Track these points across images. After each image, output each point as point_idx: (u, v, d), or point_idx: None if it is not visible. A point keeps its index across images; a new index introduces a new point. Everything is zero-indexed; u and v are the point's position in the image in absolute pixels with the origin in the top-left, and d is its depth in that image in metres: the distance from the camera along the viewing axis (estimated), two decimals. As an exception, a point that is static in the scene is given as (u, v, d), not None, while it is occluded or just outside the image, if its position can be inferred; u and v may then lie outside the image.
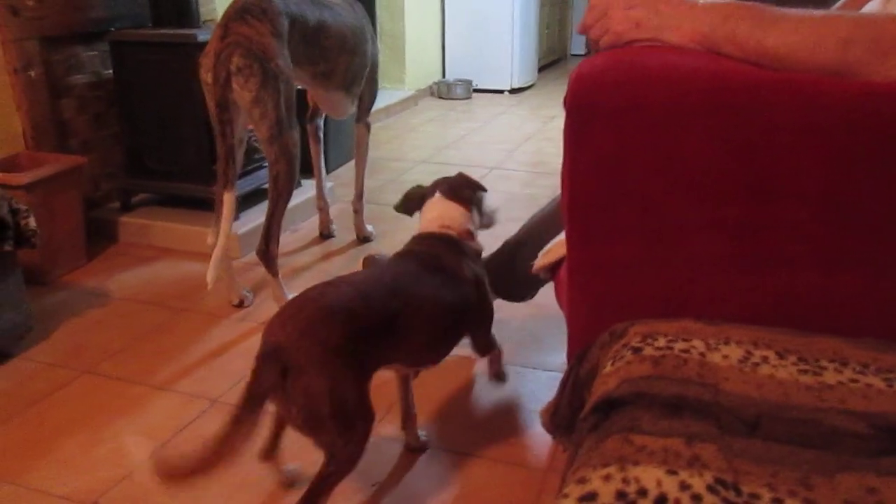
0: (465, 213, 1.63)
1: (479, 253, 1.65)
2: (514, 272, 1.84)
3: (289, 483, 1.54)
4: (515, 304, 2.05)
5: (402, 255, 1.55)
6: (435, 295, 1.44)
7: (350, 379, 1.24)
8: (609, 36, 1.12)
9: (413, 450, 1.66)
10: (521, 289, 1.97)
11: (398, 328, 1.34)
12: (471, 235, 1.63)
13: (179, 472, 1.20)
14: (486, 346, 1.65)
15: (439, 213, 1.62)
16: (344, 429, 1.24)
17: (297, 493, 1.51)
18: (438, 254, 1.52)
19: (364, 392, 1.28)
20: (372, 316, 1.30)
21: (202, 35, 2.62)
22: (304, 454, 1.54)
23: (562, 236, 1.30)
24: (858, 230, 1.01)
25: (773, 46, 1.00)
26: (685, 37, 1.06)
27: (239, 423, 1.20)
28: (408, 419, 1.65)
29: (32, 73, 2.63)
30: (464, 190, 1.64)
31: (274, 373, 1.20)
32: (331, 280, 1.40)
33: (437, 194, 1.64)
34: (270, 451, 1.47)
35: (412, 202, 1.69)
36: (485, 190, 1.68)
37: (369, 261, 2.30)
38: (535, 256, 1.57)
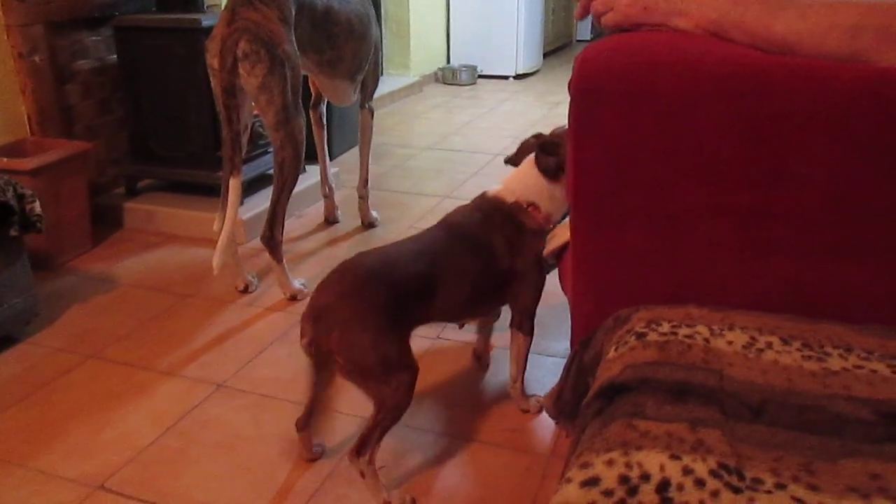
0: (541, 184, 1.55)
1: (534, 228, 1.56)
2: None
3: (314, 458, 1.58)
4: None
5: (440, 224, 1.61)
6: (460, 264, 1.51)
7: (390, 333, 1.37)
8: (615, 14, 1.11)
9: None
10: None
11: (428, 292, 1.45)
12: (535, 207, 1.56)
13: (308, 449, 1.56)
14: (519, 321, 1.66)
15: (513, 177, 1.60)
16: (389, 378, 1.36)
17: (305, 471, 1.53)
18: (472, 223, 1.57)
19: (405, 346, 1.40)
20: (405, 282, 1.42)
21: (207, 20, 2.62)
22: (329, 433, 1.56)
23: (567, 221, 1.29)
24: (866, 217, 1.01)
25: (781, 33, 0.99)
26: (693, 22, 1.05)
27: (319, 385, 1.45)
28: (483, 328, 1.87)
29: (37, 59, 2.63)
30: (551, 158, 1.52)
31: (324, 331, 1.35)
32: (366, 251, 1.50)
33: (532, 156, 1.58)
34: (306, 423, 1.54)
35: (518, 156, 1.63)
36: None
37: None
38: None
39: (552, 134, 1.59)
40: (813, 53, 0.98)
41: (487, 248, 1.54)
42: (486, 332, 1.87)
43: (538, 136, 1.61)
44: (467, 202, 1.64)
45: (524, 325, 1.66)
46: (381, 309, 1.36)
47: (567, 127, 1.55)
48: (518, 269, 1.58)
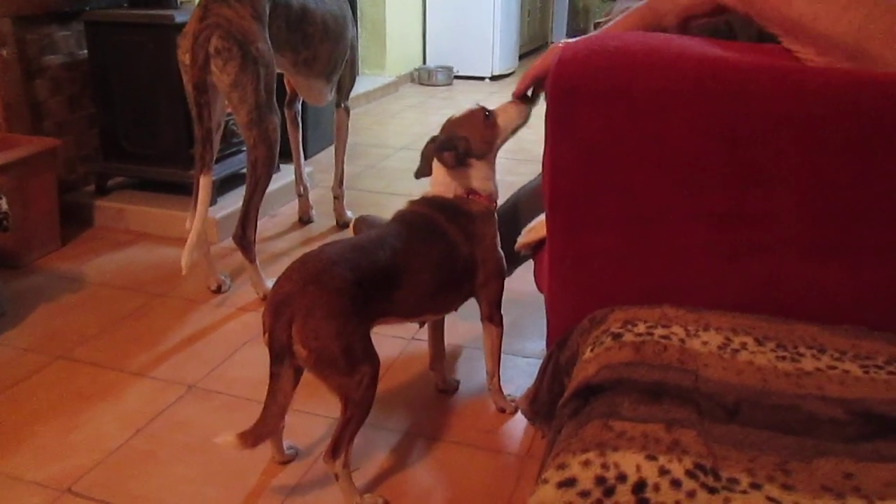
0: (468, 173, 1.57)
1: (483, 212, 1.58)
2: (504, 247, 1.81)
3: (287, 460, 1.56)
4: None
5: (393, 218, 1.61)
6: (420, 250, 1.50)
7: (354, 321, 1.34)
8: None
9: (443, 391, 1.82)
10: (507, 264, 1.94)
11: (391, 281, 1.44)
12: (475, 193, 1.58)
13: (249, 443, 1.36)
14: (489, 313, 1.64)
15: (438, 178, 1.61)
16: (353, 370, 1.34)
17: (278, 473, 1.51)
18: (425, 215, 1.57)
19: (368, 337, 1.38)
20: (368, 267, 1.40)
21: (180, 16, 2.58)
22: (302, 435, 1.54)
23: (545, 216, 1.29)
24: (840, 219, 1.02)
25: (798, 10, 0.99)
26: None
27: (278, 378, 1.35)
28: (437, 360, 1.81)
29: (5, 53, 2.58)
30: (446, 154, 1.55)
31: (285, 322, 1.31)
32: (328, 242, 1.48)
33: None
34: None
35: (425, 165, 1.64)
36: (458, 144, 1.55)
37: (360, 222, 2.30)
38: (519, 232, 1.56)
39: (445, 128, 1.61)
40: (823, 34, 0.98)
41: (444, 236, 1.54)
42: (438, 364, 1.82)
43: (434, 140, 1.62)
44: (415, 198, 1.63)
45: (494, 316, 1.65)
46: (343, 295, 1.33)
47: (459, 113, 1.60)
48: (478, 257, 1.58)
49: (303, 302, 1.31)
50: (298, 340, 1.31)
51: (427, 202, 1.60)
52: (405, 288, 1.46)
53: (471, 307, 1.65)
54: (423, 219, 1.57)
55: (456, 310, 1.65)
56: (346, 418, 1.37)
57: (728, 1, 1.06)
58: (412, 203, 1.63)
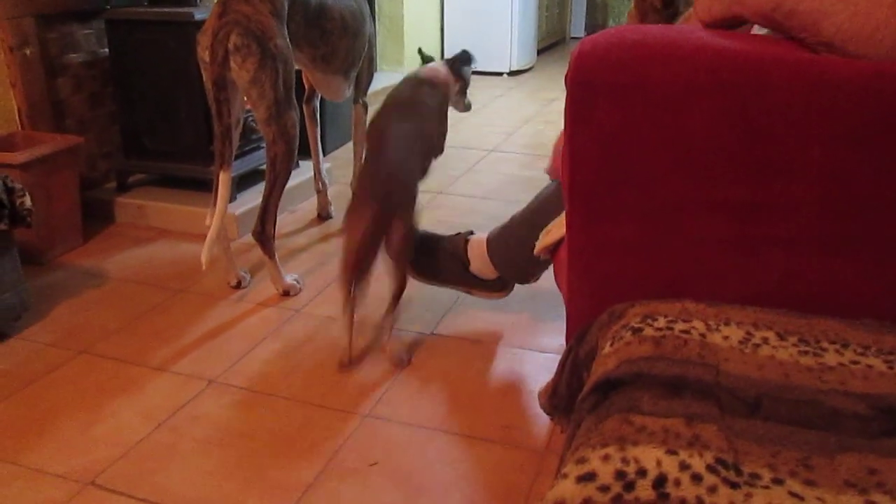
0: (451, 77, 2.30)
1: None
2: (523, 252, 1.80)
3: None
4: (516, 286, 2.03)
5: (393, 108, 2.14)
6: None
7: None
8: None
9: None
10: (530, 269, 1.93)
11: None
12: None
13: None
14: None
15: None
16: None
17: (297, 468, 1.52)
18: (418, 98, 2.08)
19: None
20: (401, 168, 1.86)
21: (199, 13, 2.60)
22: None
23: (562, 217, 1.29)
24: (860, 211, 1.01)
25: (828, 34, 0.98)
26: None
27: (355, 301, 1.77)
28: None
29: (28, 52, 2.61)
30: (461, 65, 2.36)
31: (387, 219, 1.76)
32: (369, 158, 1.94)
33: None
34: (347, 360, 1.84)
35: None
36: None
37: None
38: (538, 238, 1.56)
39: None
40: (860, 53, 0.97)
41: (427, 109, 2.20)
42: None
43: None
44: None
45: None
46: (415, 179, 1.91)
47: None
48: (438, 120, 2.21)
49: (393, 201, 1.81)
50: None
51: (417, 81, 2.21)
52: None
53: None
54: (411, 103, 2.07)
55: None
56: (397, 292, 1.83)
57: (767, 13, 1.05)
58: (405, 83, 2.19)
